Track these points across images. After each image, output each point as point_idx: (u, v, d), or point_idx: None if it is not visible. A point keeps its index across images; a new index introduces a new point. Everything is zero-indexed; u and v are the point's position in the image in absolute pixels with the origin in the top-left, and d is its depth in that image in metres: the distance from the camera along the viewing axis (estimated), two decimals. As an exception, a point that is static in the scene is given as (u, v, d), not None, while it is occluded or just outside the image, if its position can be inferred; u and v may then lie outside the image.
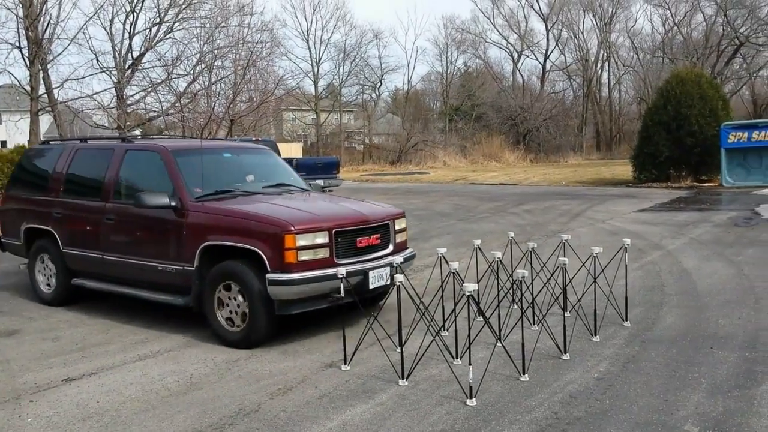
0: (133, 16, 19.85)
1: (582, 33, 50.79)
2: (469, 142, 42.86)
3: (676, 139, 20.35)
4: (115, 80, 19.74)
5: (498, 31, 53.69)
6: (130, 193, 6.22)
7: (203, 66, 21.29)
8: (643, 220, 12.89)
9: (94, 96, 19.81)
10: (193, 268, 5.59)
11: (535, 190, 21.88)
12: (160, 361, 5.15)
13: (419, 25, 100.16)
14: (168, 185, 5.91)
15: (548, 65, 52.79)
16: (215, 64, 21.68)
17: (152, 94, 20.79)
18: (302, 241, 5.21)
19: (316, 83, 47.89)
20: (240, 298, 5.34)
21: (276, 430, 3.83)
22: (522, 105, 45.20)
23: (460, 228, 12.66)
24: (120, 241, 6.32)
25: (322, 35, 62.85)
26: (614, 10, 49.42)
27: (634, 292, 6.82)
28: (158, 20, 20.02)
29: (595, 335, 5.39)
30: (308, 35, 48.40)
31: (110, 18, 19.75)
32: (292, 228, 5.18)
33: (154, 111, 21.85)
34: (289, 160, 17.18)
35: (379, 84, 52.68)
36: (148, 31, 20.16)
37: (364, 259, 5.62)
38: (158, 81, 20.65)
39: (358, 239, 5.61)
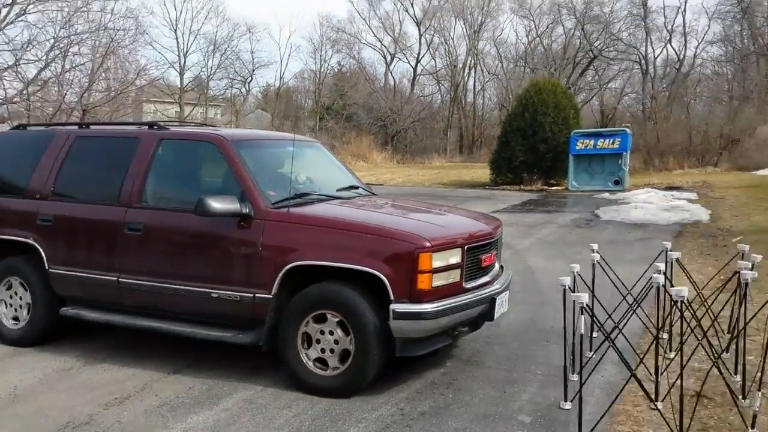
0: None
1: (452, 39, 52.53)
2: (338, 141, 42.98)
3: (531, 145, 21.61)
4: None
5: (373, 33, 54.29)
6: (170, 197, 4.95)
7: (57, 52, 19.76)
8: (498, 220, 13.54)
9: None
10: (270, 296, 4.28)
11: (399, 190, 22.36)
12: (-20, 373, 4.68)
13: (295, 22, 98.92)
14: (232, 186, 4.56)
15: (419, 69, 54.17)
16: (71, 50, 20.18)
17: (-4, 80, 18.99)
18: (438, 261, 4.11)
19: (181, 75, 46.00)
20: (340, 332, 4.16)
21: (109, 442, 3.60)
22: (392, 107, 46.05)
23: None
24: (149, 260, 4.77)
25: (191, 26, 60.29)
26: (483, 19, 51.58)
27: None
28: (10, 1, 18.32)
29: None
30: (177, 25, 46.35)
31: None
32: (428, 244, 4.07)
33: (-4, 98, 19.97)
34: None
35: (250, 79, 51.58)
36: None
37: (485, 281, 4.59)
38: (4, 66, 18.92)
39: (483, 257, 4.55)
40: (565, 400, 3.81)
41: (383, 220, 4.68)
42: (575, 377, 4.02)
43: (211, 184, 4.88)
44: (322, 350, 4.22)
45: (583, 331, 4.37)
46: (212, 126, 6.75)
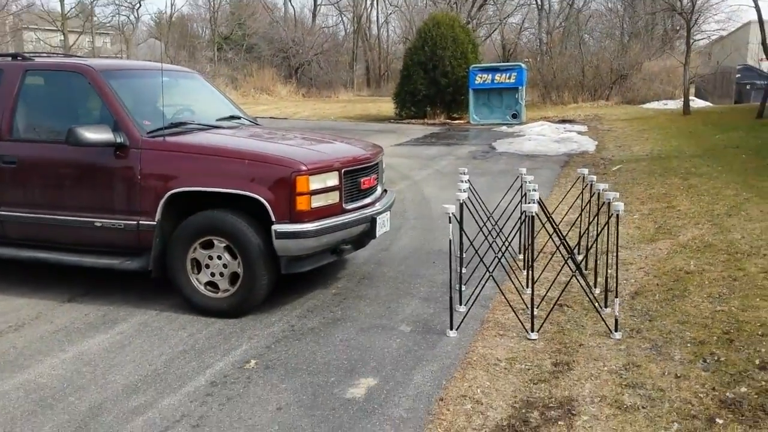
0: None
1: (353, -32, 51.41)
2: (240, 73, 41.71)
3: (432, 79, 21.90)
4: None
5: (269, -42, 52.15)
6: (42, 128, 4.87)
7: None
8: (399, 153, 13.87)
9: None
10: (155, 222, 4.39)
11: (305, 124, 22.22)
12: None
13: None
14: (106, 116, 4.56)
15: (320, -1, 52.88)
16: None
17: None
18: (315, 183, 4.32)
19: (62, 0, 42.64)
20: (227, 256, 4.32)
21: (3, 366, 3.66)
22: (294, 38, 44.88)
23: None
24: (29, 192, 4.76)
25: None
26: (383, -52, 50.66)
27: (379, 217, 7.46)
28: None
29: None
30: (52, -56, 42.60)
31: None
32: (304, 168, 4.24)
33: None
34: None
35: (138, 5, 48.69)
36: None
37: (366, 203, 4.86)
38: None
39: (362, 180, 4.80)
40: (451, 329, 4.12)
41: (262, 147, 4.80)
42: (462, 308, 4.40)
43: (84, 115, 4.84)
44: (212, 274, 4.38)
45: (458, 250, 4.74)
46: (80, 56, 6.55)
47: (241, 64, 43.66)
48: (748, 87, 25.56)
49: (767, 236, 5.75)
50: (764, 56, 17.79)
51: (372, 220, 4.79)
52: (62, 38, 43.54)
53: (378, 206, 4.98)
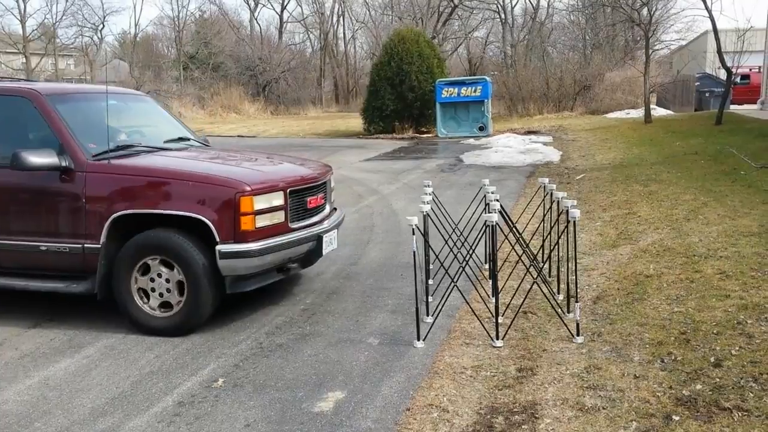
0: None
1: (317, -15, 51.75)
2: (207, 92, 41.53)
3: (399, 94, 22.11)
4: None
5: (233, -23, 52.23)
6: None
7: None
8: (367, 168, 13.97)
9: None
10: (99, 245, 4.42)
11: (273, 142, 22.21)
12: None
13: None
14: (50, 140, 4.56)
15: (285, 16, 53.11)
16: None
17: None
18: (260, 203, 4.38)
19: (23, 22, 42.09)
20: (172, 275, 4.38)
21: (-35, 396, 3.62)
22: (261, 56, 44.92)
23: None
24: None
25: None
26: (346, -35, 51.11)
27: (347, 233, 7.50)
28: None
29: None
30: (11, -33, 42.20)
31: None
32: (248, 188, 4.32)
33: None
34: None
35: (102, 26, 48.34)
36: None
37: (313, 221, 4.96)
38: None
39: (308, 199, 4.90)
40: (418, 339, 4.18)
41: (206, 168, 4.84)
42: (429, 319, 4.47)
43: (30, 139, 4.86)
44: (160, 294, 4.42)
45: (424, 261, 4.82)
46: (28, 80, 6.64)
47: (208, 83, 43.45)
48: (707, 95, 26.31)
49: (723, 239, 5.93)
50: (720, 65, 18.32)
51: (318, 238, 4.89)
52: (24, 61, 42.97)
53: (326, 224, 5.09)
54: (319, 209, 5.09)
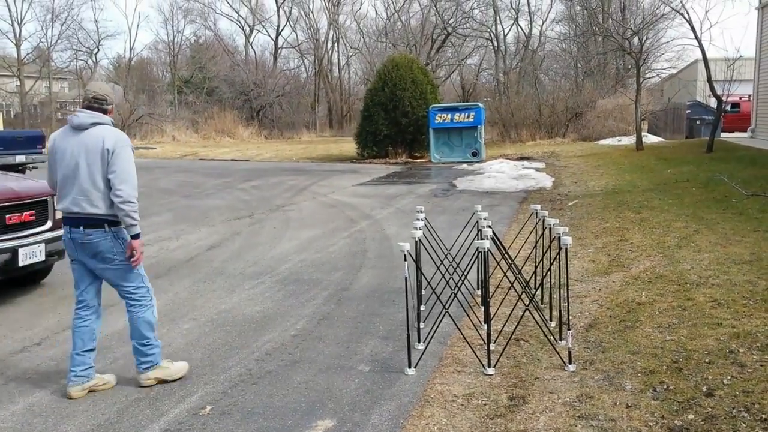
0: None
1: (312, 13, 52.28)
2: (201, 116, 41.67)
3: (393, 119, 22.25)
4: None
5: (228, 3, 52.80)
6: None
7: None
8: (360, 193, 13.99)
9: None
10: None
11: (266, 166, 22.25)
12: None
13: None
14: None
15: (280, 42, 53.51)
16: None
17: None
18: None
19: (18, 46, 42.28)
20: None
21: (-54, 423, 3.55)
22: (255, 80, 45.18)
23: (183, 205, 12.46)
24: None
25: None
26: (342, -8, 51.67)
27: (339, 257, 7.49)
28: None
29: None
30: (4, -9, 42.48)
31: None
32: None
33: None
34: (-21, 133, 15.20)
35: (97, 50, 48.68)
36: None
37: (14, 236, 5.58)
38: None
39: (6, 216, 5.54)
40: (409, 367, 4.14)
41: None
42: (421, 346, 4.43)
43: None
44: None
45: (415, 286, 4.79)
46: None
47: (202, 107, 43.66)
48: (698, 122, 26.55)
49: (715, 267, 5.94)
50: (711, 93, 18.53)
51: (14, 252, 5.49)
52: (18, 83, 43.09)
53: (30, 240, 5.66)
54: (27, 225, 5.73)
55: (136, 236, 3.79)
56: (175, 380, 4.04)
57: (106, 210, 3.76)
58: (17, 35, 41.85)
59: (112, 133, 3.78)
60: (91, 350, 3.93)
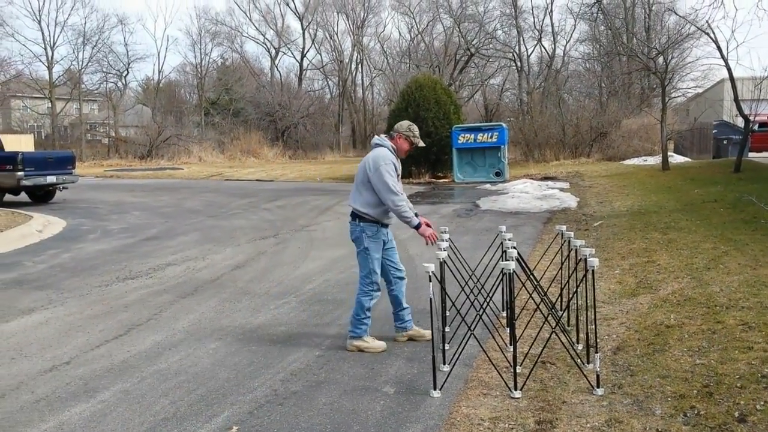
0: None
1: (336, 35, 52.94)
2: (226, 137, 42.26)
3: (416, 139, 22.31)
4: None
5: (255, 26, 53.67)
6: None
7: None
8: (384, 213, 13.99)
9: None
10: None
11: (290, 186, 22.43)
12: None
13: (169, 14, 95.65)
14: None
15: (305, 63, 54.21)
16: None
17: None
18: None
19: (50, 68, 43.34)
20: None
21: (-21, 440, 3.61)
22: (281, 102, 45.76)
23: (209, 224, 12.60)
24: None
25: (57, 16, 59.01)
26: (366, 15, 52.30)
27: (363, 277, 7.50)
28: None
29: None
30: (40, 15, 43.67)
31: None
32: None
33: None
34: (13, 155, 15.52)
35: (126, 72, 49.70)
36: None
37: None
38: None
39: None
40: (434, 389, 4.12)
41: None
42: (446, 368, 4.42)
43: None
44: None
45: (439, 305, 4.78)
46: None
47: (228, 128, 44.28)
48: (725, 142, 26.25)
49: (745, 289, 5.84)
50: (738, 112, 18.33)
51: None
52: (50, 105, 44.14)
53: None
54: None
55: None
56: (372, 353, 4.91)
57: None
58: (50, 58, 42.95)
59: None
60: (403, 309, 5.27)
